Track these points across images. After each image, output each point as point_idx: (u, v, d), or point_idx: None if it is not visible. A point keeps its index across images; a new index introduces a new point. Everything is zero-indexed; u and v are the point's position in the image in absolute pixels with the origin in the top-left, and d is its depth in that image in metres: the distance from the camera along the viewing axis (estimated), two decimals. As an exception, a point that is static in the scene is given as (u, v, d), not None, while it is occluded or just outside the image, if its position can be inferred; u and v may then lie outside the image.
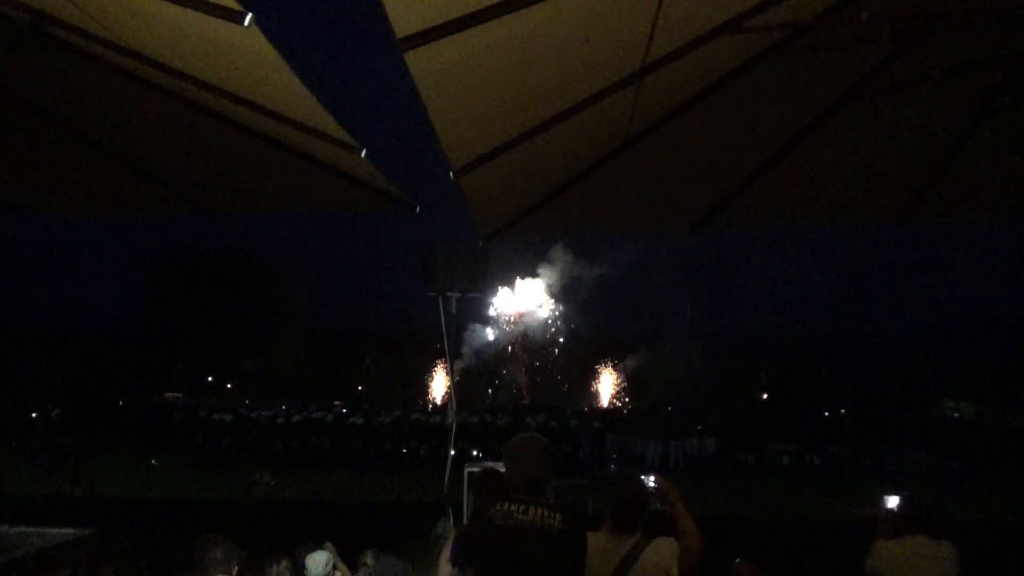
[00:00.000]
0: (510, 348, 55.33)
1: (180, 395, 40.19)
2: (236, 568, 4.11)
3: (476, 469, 8.46)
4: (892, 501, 4.30)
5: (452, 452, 10.15)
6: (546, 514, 2.58)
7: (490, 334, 54.58)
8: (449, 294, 8.61)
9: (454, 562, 2.88)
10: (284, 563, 5.04)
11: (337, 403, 34.68)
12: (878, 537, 4.22)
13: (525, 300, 55.18)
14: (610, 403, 48.94)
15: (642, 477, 3.45)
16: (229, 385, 52.59)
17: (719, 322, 52.32)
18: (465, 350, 52.71)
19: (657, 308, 54.43)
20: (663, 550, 3.06)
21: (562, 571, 2.61)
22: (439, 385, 50.25)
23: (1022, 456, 21.45)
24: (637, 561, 3.01)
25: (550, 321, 55.56)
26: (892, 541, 4.09)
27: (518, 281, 53.92)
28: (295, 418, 20.68)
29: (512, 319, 55.14)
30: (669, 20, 2.66)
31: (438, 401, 45.74)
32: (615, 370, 53.57)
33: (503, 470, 2.90)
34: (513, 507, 2.61)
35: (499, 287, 53.11)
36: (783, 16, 3.01)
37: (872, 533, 4.26)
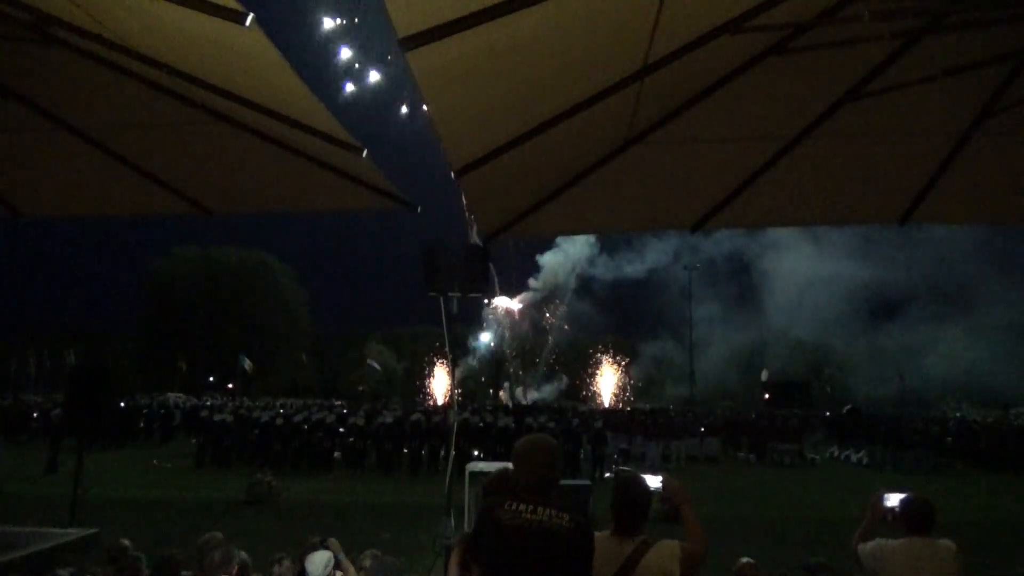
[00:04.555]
0: (511, 348, 55.55)
1: (182, 395, 40.30)
2: (236, 568, 4.11)
3: (478, 468, 8.45)
4: (889, 500, 4.30)
5: (453, 452, 10.14)
6: (554, 514, 2.59)
7: (492, 334, 54.86)
8: (450, 294, 8.60)
9: (464, 567, 2.86)
10: (285, 563, 5.03)
11: (338, 403, 34.73)
12: (866, 531, 4.21)
13: (527, 299, 55.45)
14: (611, 402, 49.01)
15: (649, 477, 3.43)
16: (230, 385, 52.65)
17: (722, 322, 52.32)
18: (468, 350, 52.92)
19: (661, 307, 54.51)
20: (665, 553, 3.04)
21: (570, 571, 2.61)
22: (440, 385, 50.37)
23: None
24: (639, 564, 3.00)
25: (553, 320, 55.81)
26: (893, 541, 4.08)
27: (520, 278, 54.30)
28: (296, 418, 20.67)
29: (515, 317, 55.36)
30: (670, 20, 2.66)
31: (439, 401, 45.84)
32: (618, 369, 53.68)
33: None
34: (521, 507, 2.61)
35: (501, 286, 53.50)
36: (784, 16, 3.01)
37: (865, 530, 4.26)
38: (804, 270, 47.63)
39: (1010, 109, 3.59)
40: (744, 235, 48.65)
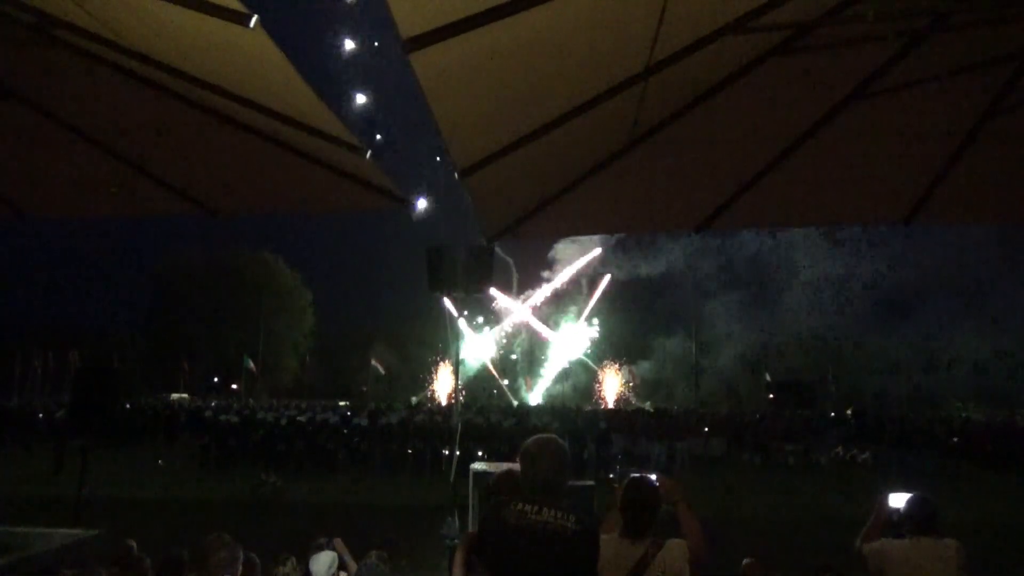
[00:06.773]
0: (520, 347, 55.63)
1: (186, 396, 40.41)
2: (241, 569, 4.12)
3: (481, 468, 8.44)
4: (894, 500, 4.29)
5: (457, 453, 10.15)
6: (560, 515, 2.58)
7: (496, 333, 54.95)
8: (454, 295, 8.60)
9: (468, 567, 2.85)
10: (290, 564, 5.05)
11: (343, 404, 34.79)
12: (871, 531, 4.21)
13: (536, 297, 55.52)
14: (616, 403, 48.95)
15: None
16: (235, 386, 52.77)
17: (735, 321, 52.24)
18: (471, 350, 52.93)
19: (674, 307, 54.52)
20: (675, 553, 3.05)
21: (575, 572, 2.60)
22: (444, 386, 50.39)
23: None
24: (651, 565, 3.01)
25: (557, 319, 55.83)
26: (897, 541, 4.07)
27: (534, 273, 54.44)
28: (300, 419, 20.70)
29: (521, 317, 55.41)
30: (674, 20, 2.66)
31: (443, 402, 45.87)
32: (622, 370, 53.60)
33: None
34: (527, 507, 2.60)
35: (506, 286, 53.58)
36: (788, 16, 3.00)
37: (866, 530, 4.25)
38: (818, 269, 47.68)
39: (1015, 109, 3.58)
40: (760, 234, 48.80)
